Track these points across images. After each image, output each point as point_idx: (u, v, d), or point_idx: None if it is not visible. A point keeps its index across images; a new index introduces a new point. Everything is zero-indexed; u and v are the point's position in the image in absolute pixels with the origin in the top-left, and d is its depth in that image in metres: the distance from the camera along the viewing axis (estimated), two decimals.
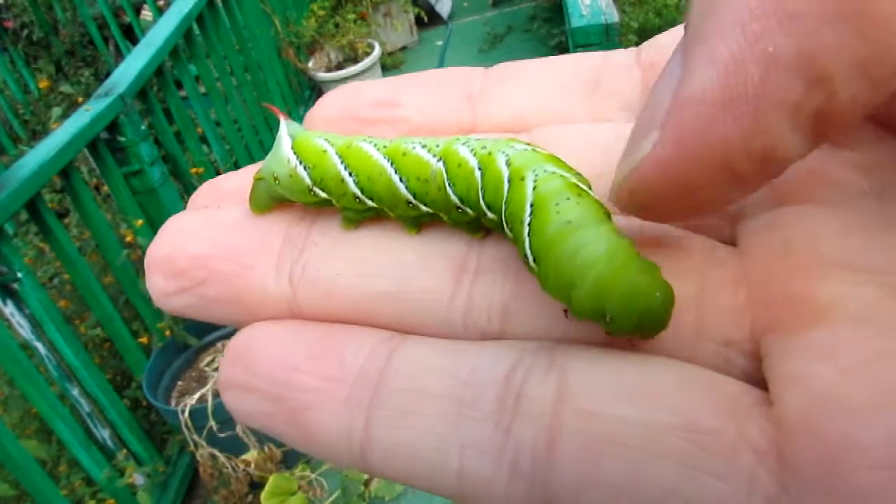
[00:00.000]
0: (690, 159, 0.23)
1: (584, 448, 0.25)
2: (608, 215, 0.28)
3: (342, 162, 0.34)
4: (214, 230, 0.34)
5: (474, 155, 0.31)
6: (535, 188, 0.28)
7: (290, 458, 2.58)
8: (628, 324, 0.25)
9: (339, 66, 4.79)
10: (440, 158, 0.32)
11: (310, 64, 4.83)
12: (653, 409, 0.25)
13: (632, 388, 0.26)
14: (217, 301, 0.33)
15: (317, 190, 0.34)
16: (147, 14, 4.82)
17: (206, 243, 0.33)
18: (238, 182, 0.37)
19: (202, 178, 3.25)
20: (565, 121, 0.35)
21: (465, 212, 0.32)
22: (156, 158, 2.79)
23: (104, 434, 2.40)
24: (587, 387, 0.26)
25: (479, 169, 0.31)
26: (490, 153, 0.30)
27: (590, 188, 0.29)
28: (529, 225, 0.28)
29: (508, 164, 0.29)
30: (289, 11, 4.76)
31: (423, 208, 0.32)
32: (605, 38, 3.17)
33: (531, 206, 0.28)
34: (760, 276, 0.26)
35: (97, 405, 2.37)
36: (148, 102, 2.89)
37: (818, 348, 0.24)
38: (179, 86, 3.29)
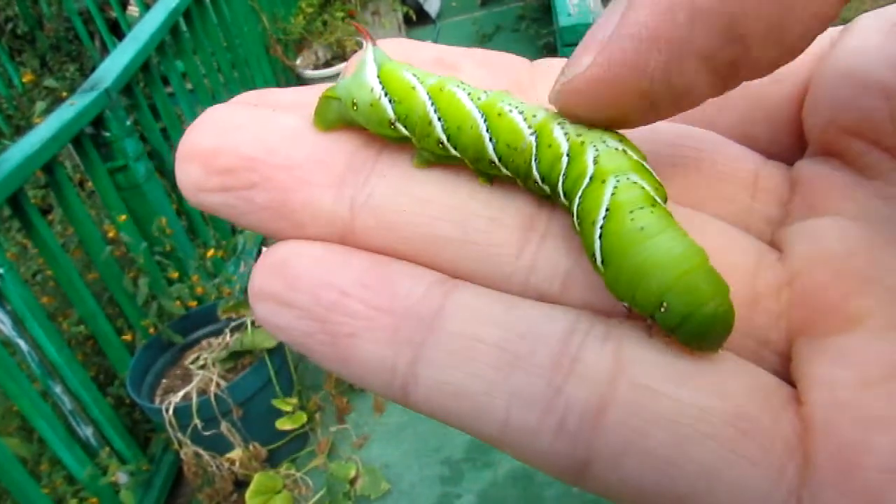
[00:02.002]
0: (616, 84, 0.27)
1: (635, 417, 0.26)
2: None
3: (432, 103, 0.32)
4: (272, 133, 0.32)
5: (567, 140, 0.31)
6: (613, 194, 0.29)
7: (275, 457, 2.58)
8: (681, 319, 0.26)
9: (328, 64, 4.78)
10: (534, 132, 0.31)
11: (298, 61, 4.82)
12: (705, 393, 0.26)
13: (685, 371, 0.27)
14: (263, 209, 0.31)
15: (399, 125, 0.32)
16: (133, 9, 4.79)
17: (263, 146, 0.31)
18: (293, 97, 0.35)
19: None
20: None
21: (542, 188, 0.31)
22: (141, 154, 2.77)
23: (87, 432, 2.38)
24: (643, 363, 0.27)
25: (567, 156, 0.30)
26: (583, 143, 0.30)
27: (665, 200, 0.29)
28: (602, 228, 0.28)
29: (596, 161, 0.29)
30: (277, 8, 4.74)
31: (505, 171, 0.32)
32: None
33: (606, 209, 0.28)
34: (800, 282, 0.28)
35: (80, 403, 2.35)
36: (134, 98, 2.87)
37: (844, 355, 0.26)
38: (166, 82, 3.27)
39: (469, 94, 0.33)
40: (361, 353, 0.29)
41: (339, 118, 0.33)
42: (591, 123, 0.30)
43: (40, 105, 4.01)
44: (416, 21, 5.77)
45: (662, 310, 0.27)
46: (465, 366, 0.29)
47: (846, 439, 0.24)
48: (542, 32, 4.88)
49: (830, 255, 0.28)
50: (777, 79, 0.32)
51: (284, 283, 0.30)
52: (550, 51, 4.67)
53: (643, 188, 0.29)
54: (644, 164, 0.30)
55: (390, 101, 0.33)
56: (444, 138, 0.32)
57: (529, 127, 0.32)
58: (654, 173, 0.30)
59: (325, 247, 0.31)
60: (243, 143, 0.31)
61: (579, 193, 0.29)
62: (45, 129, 2.27)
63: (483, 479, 2.45)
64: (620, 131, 0.31)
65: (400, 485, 2.50)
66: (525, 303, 0.30)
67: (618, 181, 0.29)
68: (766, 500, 0.25)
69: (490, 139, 0.32)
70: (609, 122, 0.29)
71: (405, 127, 0.33)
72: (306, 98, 0.34)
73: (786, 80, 0.33)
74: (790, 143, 0.34)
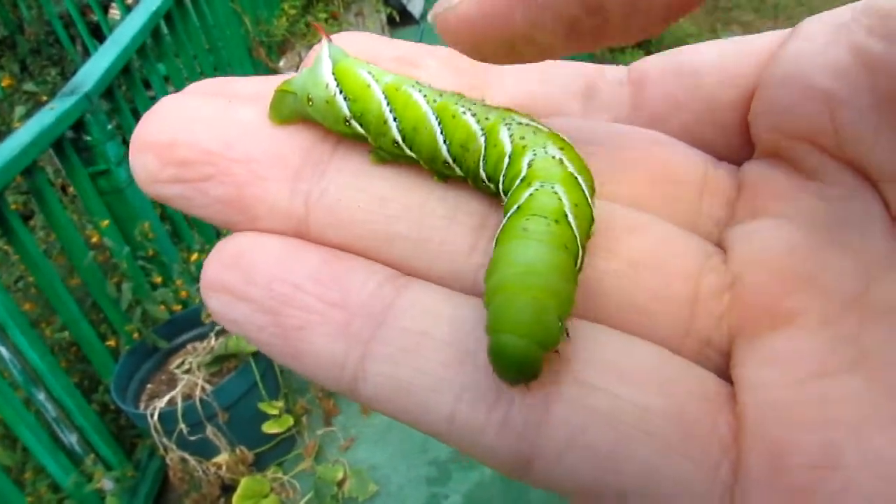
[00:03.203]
0: (482, 29, 0.27)
1: (577, 415, 0.27)
2: (575, 256, 0.29)
3: (387, 103, 0.33)
4: (228, 127, 0.33)
5: (511, 141, 0.31)
6: (531, 196, 0.29)
7: (261, 461, 2.57)
8: (489, 331, 0.27)
9: None
10: (484, 133, 0.32)
11: (281, 63, 4.80)
12: (647, 392, 0.27)
13: (629, 370, 0.28)
14: (219, 201, 0.32)
15: (354, 123, 0.33)
16: (115, 12, 4.76)
17: (219, 139, 0.32)
18: (252, 87, 0.36)
19: None
20: (563, 116, 0.37)
21: (488, 186, 0.32)
22: (123, 158, 2.75)
23: (71, 439, 2.36)
24: (588, 360, 0.28)
25: (509, 157, 0.31)
26: (524, 147, 0.31)
27: (590, 218, 0.30)
28: (506, 220, 0.29)
29: (530, 165, 0.30)
30: (259, 10, 4.72)
31: (458, 171, 0.32)
32: None
33: (517, 208, 0.29)
34: (741, 284, 0.30)
35: (64, 410, 2.33)
36: (115, 102, 2.85)
37: (774, 355, 0.27)
38: (148, 85, 3.25)
39: (425, 95, 0.33)
40: (312, 347, 0.30)
41: (294, 112, 0.33)
42: (463, 53, 0.30)
43: (20, 109, 3.97)
44: (400, 22, 5.77)
45: (487, 318, 0.27)
46: (413, 361, 0.29)
47: (775, 439, 0.25)
48: None
49: (767, 257, 0.29)
50: (727, 82, 0.34)
51: (240, 275, 0.31)
52: None
53: (560, 201, 0.29)
54: (576, 176, 0.30)
55: (345, 98, 0.33)
56: (399, 138, 0.32)
57: (481, 128, 0.32)
58: (584, 187, 0.30)
59: (281, 240, 0.32)
60: (200, 135, 0.32)
61: (510, 193, 0.30)
62: (25, 133, 2.25)
63: (470, 479, 2.45)
64: (564, 137, 0.32)
65: (387, 486, 2.50)
66: (474, 301, 0.31)
67: (541, 186, 0.29)
68: (702, 497, 0.26)
69: (444, 141, 0.32)
70: (473, 56, 0.29)
71: (360, 125, 0.33)
72: (266, 88, 0.34)
73: (735, 84, 0.34)
74: (740, 145, 0.34)
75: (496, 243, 0.29)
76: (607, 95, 0.37)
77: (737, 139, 0.34)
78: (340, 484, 2.48)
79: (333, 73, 0.33)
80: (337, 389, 0.30)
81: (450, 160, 0.32)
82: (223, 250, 0.32)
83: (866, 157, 0.28)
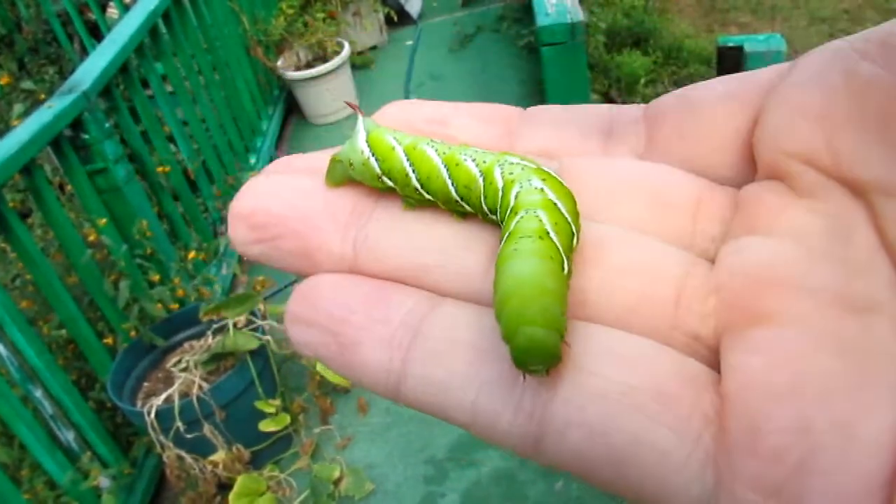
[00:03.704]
0: None
1: (576, 396, 0.32)
2: (561, 264, 0.34)
3: (407, 159, 0.40)
4: (293, 194, 0.40)
5: (502, 178, 0.37)
6: (517, 223, 0.35)
7: (258, 459, 2.57)
8: (506, 338, 0.32)
9: (309, 65, 4.77)
10: (482, 174, 0.38)
11: (279, 63, 4.81)
12: (635, 374, 0.31)
13: (620, 357, 0.32)
14: (290, 253, 0.39)
15: (384, 178, 0.40)
16: (113, 11, 4.76)
17: (285, 204, 0.40)
18: (308, 162, 0.43)
19: (169, 177, 3.22)
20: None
21: (492, 218, 0.38)
22: (121, 157, 2.76)
23: (68, 436, 2.37)
24: (583, 351, 0.33)
25: (501, 191, 0.37)
26: (512, 181, 0.37)
27: (572, 234, 0.35)
28: (501, 247, 0.34)
29: (516, 196, 0.36)
30: (257, 9, 4.73)
31: (467, 208, 0.39)
32: (570, 36, 3.20)
33: (508, 235, 0.35)
34: (726, 289, 0.33)
35: (61, 407, 2.34)
36: (113, 100, 2.86)
37: (755, 344, 0.30)
38: (146, 84, 3.26)
39: (436, 149, 0.40)
40: (364, 359, 0.36)
41: (343, 176, 0.42)
42: None
43: (18, 107, 3.97)
44: (398, 22, 5.77)
45: (500, 326, 0.32)
46: (443, 363, 0.34)
47: (753, 409, 0.28)
48: (522, 33, 4.90)
49: (753, 265, 0.32)
50: (732, 112, 0.37)
51: (309, 306, 0.37)
52: (531, 50, 4.69)
53: (541, 221, 0.34)
54: (556, 202, 0.35)
55: (376, 159, 0.41)
56: (417, 186, 0.40)
57: (479, 170, 0.39)
58: (563, 211, 0.35)
59: (340, 276, 0.39)
60: (271, 203, 0.40)
61: (503, 222, 0.36)
62: (23, 131, 2.26)
63: (467, 478, 2.46)
64: (553, 173, 0.37)
65: (384, 485, 2.51)
66: (491, 312, 0.35)
67: (526, 213, 0.35)
68: (684, 463, 0.29)
69: (452, 184, 0.39)
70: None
71: (389, 179, 0.40)
72: (320, 161, 0.43)
73: (739, 113, 0.36)
74: (745, 171, 0.37)
75: (496, 266, 0.34)
76: (624, 133, 0.41)
77: (742, 165, 0.37)
78: (337, 482, 2.49)
79: (367, 142, 0.42)
80: (385, 394, 0.36)
81: (458, 199, 0.39)
82: (298, 290, 0.38)
83: (858, 172, 0.30)
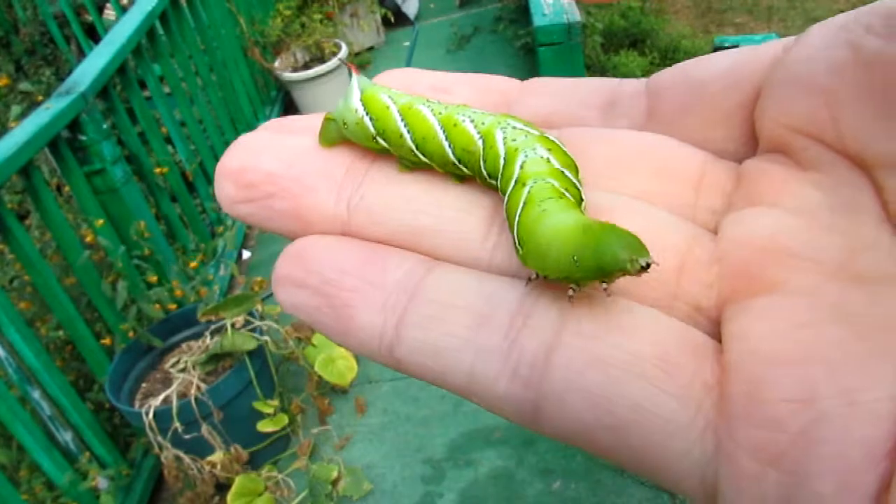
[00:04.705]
0: None
1: (575, 360, 0.31)
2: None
3: (402, 120, 0.39)
4: (285, 152, 0.40)
5: (504, 144, 0.37)
6: (529, 192, 0.34)
7: (256, 459, 2.58)
8: (595, 258, 0.31)
9: (306, 66, 4.77)
10: (482, 136, 0.37)
11: (276, 64, 4.81)
12: (636, 341, 0.31)
13: (622, 324, 0.32)
14: (281, 214, 0.38)
15: (379, 139, 0.39)
16: (110, 13, 4.76)
17: (278, 162, 0.39)
18: (304, 123, 0.42)
19: (167, 178, 3.22)
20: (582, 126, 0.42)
21: (490, 182, 0.38)
22: (118, 157, 2.76)
23: (66, 437, 2.37)
24: (585, 317, 0.32)
25: (504, 159, 0.36)
26: (516, 150, 0.36)
27: (580, 201, 0.35)
28: (518, 217, 0.34)
29: (522, 166, 0.35)
30: (254, 11, 4.73)
31: (465, 171, 0.38)
32: (567, 36, 3.21)
33: (523, 203, 0.34)
34: (728, 258, 0.33)
35: (59, 408, 2.34)
36: (110, 101, 2.86)
37: (759, 313, 0.30)
38: (143, 85, 3.26)
39: (431, 109, 0.39)
40: (357, 322, 0.35)
41: (337, 136, 0.41)
42: None
43: (16, 109, 3.97)
44: (395, 23, 5.78)
45: (577, 264, 0.31)
46: (440, 327, 0.34)
47: (754, 376, 0.28)
48: (519, 33, 4.90)
49: (756, 236, 0.32)
50: (734, 86, 0.36)
51: (300, 267, 0.37)
52: (528, 51, 4.70)
53: (554, 187, 0.34)
54: (564, 171, 0.35)
55: (370, 119, 0.40)
56: (413, 147, 0.39)
57: (479, 133, 0.38)
58: (573, 178, 0.35)
59: (331, 237, 0.38)
60: (264, 161, 0.39)
61: (507, 193, 0.35)
62: (20, 133, 2.26)
63: (464, 477, 2.46)
64: (554, 138, 0.37)
65: (382, 485, 2.51)
66: (490, 276, 0.36)
67: (535, 182, 0.35)
68: (685, 430, 0.29)
69: (449, 146, 0.38)
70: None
71: (384, 140, 0.39)
72: (315, 122, 0.42)
73: (742, 87, 0.36)
74: (747, 145, 0.37)
75: (524, 231, 0.33)
76: (625, 106, 0.40)
77: (743, 139, 0.37)
78: (335, 483, 2.49)
79: (361, 100, 0.41)
80: (377, 357, 0.35)
81: (455, 161, 0.38)
82: (288, 251, 0.38)
83: (862, 146, 0.30)
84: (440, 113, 0.39)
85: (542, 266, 0.32)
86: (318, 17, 4.96)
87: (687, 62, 0.40)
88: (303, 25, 4.89)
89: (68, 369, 2.61)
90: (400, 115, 0.39)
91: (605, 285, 0.32)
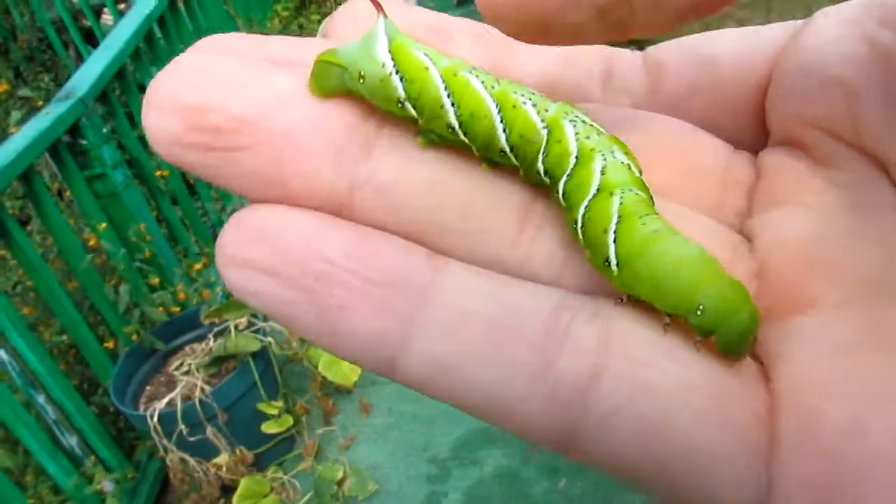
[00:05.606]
0: (520, 5, 0.27)
1: (626, 385, 0.29)
2: None
3: (445, 88, 0.32)
4: (266, 94, 0.30)
5: (577, 141, 0.31)
6: (622, 204, 0.31)
7: (261, 461, 2.57)
8: (719, 323, 0.29)
9: None
10: (546, 126, 0.32)
11: None
12: (689, 367, 0.29)
13: (671, 347, 0.30)
14: (252, 173, 0.30)
15: (408, 105, 0.31)
16: (108, 18, 4.76)
17: (255, 107, 0.30)
18: (287, 53, 0.33)
19: (167, 181, 3.22)
20: (585, 98, 0.38)
21: (542, 179, 0.32)
22: (119, 162, 2.76)
23: (71, 441, 2.37)
24: (633, 338, 0.30)
25: (576, 158, 0.31)
26: (592, 150, 0.31)
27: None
28: (615, 233, 0.30)
29: (603, 172, 0.31)
30: (252, 12, 4.73)
31: (514, 160, 0.32)
32: None
33: (619, 217, 0.30)
34: (766, 274, 0.31)
35: (63, 412, 2.34)
36: (110, 105, 2.86)
37: (802, 334, 0.29)
38: (142, 89, 3.26)
39: (483, 81, 0.32)
40: (351, 327, 0.29)
41: (339, 86, 0.32)
42: (501, 30, 0.29)
43: (16, 114, 3.97)
44: None
45: (699, 312, 0.29)
46: (458, 338, 0.29)
47: (806, 407, 0.27)
48: None
49: (788, 245, 0.31)
50: (743, 70, 0.35)
51: (272, 250, 0.29)
52: None
53: (644, 200, 0.31)
54: (642, 178, 0.32)
55: (402, 79, 0.32)
56: (455, 124, 0.32)
57: (542, 121, 0.32)
58: (648, 186, 0.32)
59: (313, 215, 0.30)
60: (234, 101, 0.29)
61: (585, 202, 0.31)
62: (20, 138, 2.26)
63: (470, 476, 2.46)
64: (619, 137, 0.33)
65: (387, 485, 2.51)
66: (515, 281, 0.31)
67: (623, 193, 0.31)
68: (737, 464, 0.28)
69: (504, 130, 0.32)
70: (509, 33, 0.29)
71: (414, 107, 0.32)
72: (300, 55, 0.33)
73: (751, 72, 0.35)
74: (753, 132, 0.36)
75: (626, 255, 0.30)
76: (625, 79, 0.38)
77: (750, 126, 0.36)
78: (340, 483, 2.48)
79: (390, 52, 0.32)
80: (374, 368, 0.30)
81: (507, 149, 0.32)
82: (245, 223, 0.30)
83: (880, 143, 0.30)
84: (493, 87, 0.32)
85: (651, 294, 0.30)
86: (316, 17, 4.96)
87: (691, 38, 0.37)
88: (301, 27, 4.89)
89: (72, 373, 2.61)
90: (443, 80, 0.32)
91: (698, 338, 0.30)
